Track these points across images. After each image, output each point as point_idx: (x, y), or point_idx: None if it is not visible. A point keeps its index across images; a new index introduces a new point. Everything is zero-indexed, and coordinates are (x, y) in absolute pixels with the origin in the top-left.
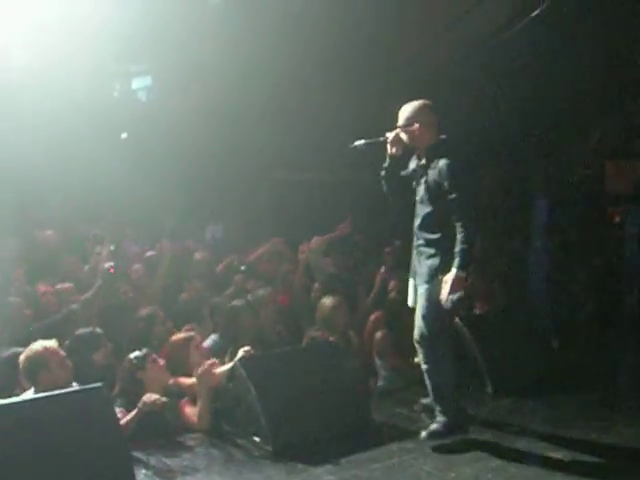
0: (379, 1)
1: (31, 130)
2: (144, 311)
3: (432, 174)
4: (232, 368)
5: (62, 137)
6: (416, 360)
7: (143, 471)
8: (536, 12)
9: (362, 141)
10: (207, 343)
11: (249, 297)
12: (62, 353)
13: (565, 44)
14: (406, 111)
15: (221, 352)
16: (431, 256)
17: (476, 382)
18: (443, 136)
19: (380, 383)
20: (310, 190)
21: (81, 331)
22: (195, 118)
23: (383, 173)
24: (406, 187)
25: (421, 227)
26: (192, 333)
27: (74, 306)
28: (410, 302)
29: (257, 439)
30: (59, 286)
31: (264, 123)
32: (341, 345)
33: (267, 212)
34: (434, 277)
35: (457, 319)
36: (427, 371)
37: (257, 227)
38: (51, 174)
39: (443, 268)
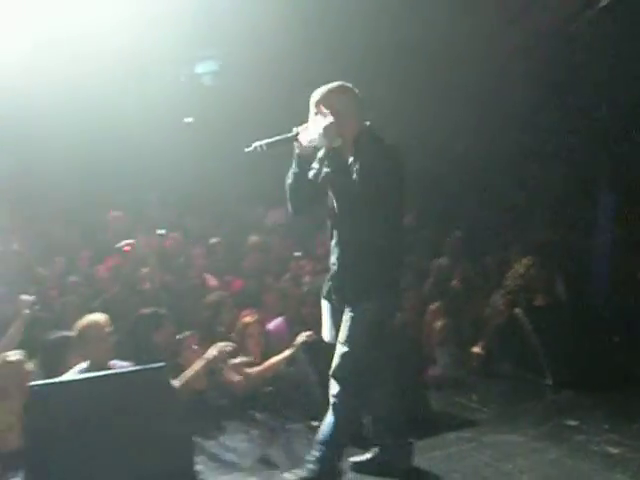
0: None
1: (98, 114)
2: (212, 297)
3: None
4: (293, 352)
5: (127, 121)
6: (475, 349)
7: (200, 451)
8: (604, 3)
9: (263, 142)
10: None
11: (306, 281)
12: (107, 329)
13: (636, 36)
14: (326, 97)
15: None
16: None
17: (536, 374)
18: (367, 122)
19: (439, 372)
20: None
21: (144, 310)
22: (260, 103)
23: (291, 180)
24: (321, 193)
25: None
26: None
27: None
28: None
29: (315, 423)
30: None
31: None
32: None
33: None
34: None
35: (518, 310)
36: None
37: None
38: (117, 159)
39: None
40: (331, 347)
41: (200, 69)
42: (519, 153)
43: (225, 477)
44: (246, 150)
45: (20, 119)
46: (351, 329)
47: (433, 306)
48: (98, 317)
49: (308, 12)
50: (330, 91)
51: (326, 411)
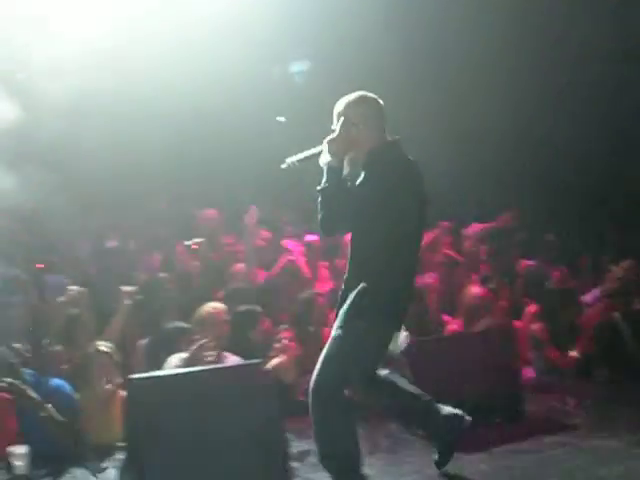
0: None
1: (191, 113)
2: (304, 294)
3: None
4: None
5: (220, 120)
6: (572, 353)
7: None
8: None
9: (295, 157)
10: None
11: None
12: (225, 317)
13: None
14: (344, 108)
15: None
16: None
17: (633, 379)
18: (391, 138)
19: (534, 375)
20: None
21: (241, 308)
22: None
23: (325, 194)
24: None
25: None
26: None
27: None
28: None
29: None
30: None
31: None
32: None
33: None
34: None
35: (616, 314)
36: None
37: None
38: (209, 157)
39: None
40: (428, 350)
41: (293, 68)
42: (618, 152)
43: (319, 475)
44: (282, 167)
45: (113, 120)
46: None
47: (531, 308)
48: (218, 305)
49: (401, 11)
50: (348, 102)
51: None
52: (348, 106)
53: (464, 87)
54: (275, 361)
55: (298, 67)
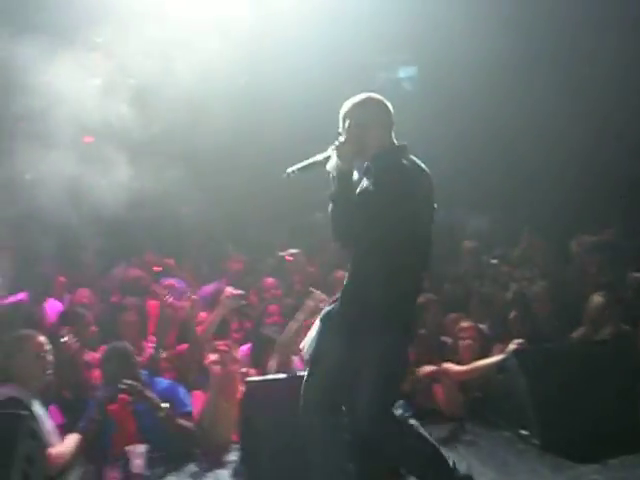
0: None
1: (299, 118)
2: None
3: None
4: (504, 359)
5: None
6: None
7: None
8: None
9: (296, 167)
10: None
11: (513, 288)
12: None
13: None
14: (349, 110)
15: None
16: None
17: None
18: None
19: None
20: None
21: None
22: (460, 109)
23: (337, 201)
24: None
25: None
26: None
27: None
28: None
29: (524, 432)
30: None
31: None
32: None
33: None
34: None
35: None
36: None
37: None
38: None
39: None
40: (544, 356)
41: (401, 74)
42: None
43: None
44: (284, 176)
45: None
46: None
47: None
48: None
49: (507, 18)
50: (354, 103)
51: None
52: (354, 108)
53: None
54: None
55: (406, 73)
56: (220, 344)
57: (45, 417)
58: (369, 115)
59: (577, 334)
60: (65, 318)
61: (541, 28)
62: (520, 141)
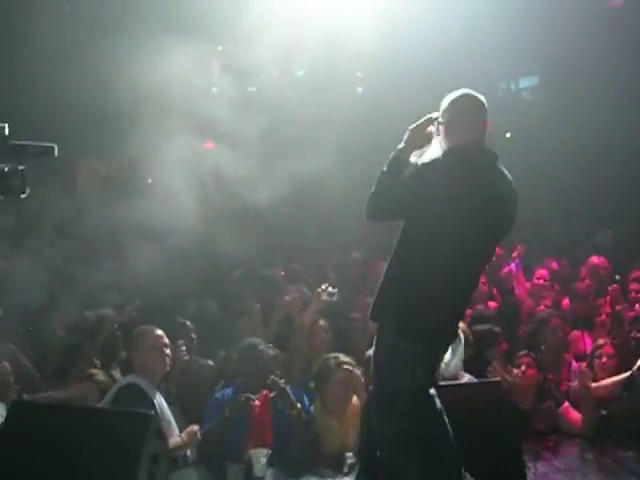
0: None
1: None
2: (540, 314)
3: None
4: (629, 377)
5: None
6: None
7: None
8: None
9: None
10: None
11: None
12: None
13: None
14: (443, 104)
15: None
16: None
17: None
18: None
19: None
20: None
21: (479, 327)
22: (580, 120)
23: (382, 176)
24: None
25: None
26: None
27: None
28: None
29: None
30: None
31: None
32: None
33: None
34: None
35: None
36: None
37: None
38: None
39: None
40: None
41: (523, 84)
42: None
43: None
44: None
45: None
46: None
47: None
48: None
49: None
50: (447, 98)
51: None
52: (444, 102)
53: None
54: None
55: (527, 83)
56: None
57: (165, 407)
58: (449, 110)
59: None
60: None
61: None
62: None
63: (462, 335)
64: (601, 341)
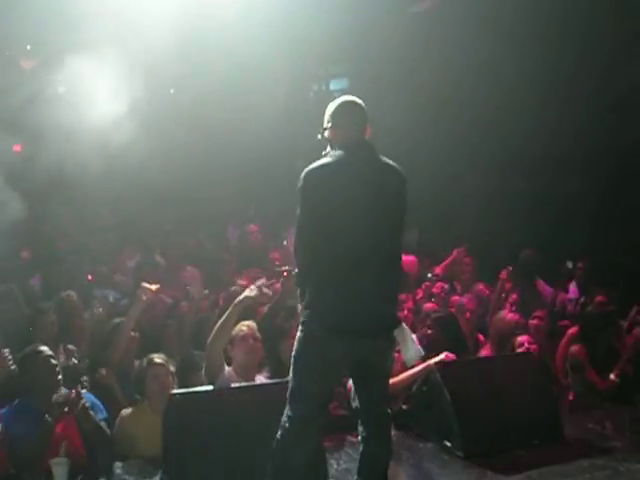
0: None
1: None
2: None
3: None
4: (428, 371)
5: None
6: (612, 376)
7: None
8: None
9: None
10: None
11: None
12: None
13: None
14: (329, 107)
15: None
16: None
17: None
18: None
19: (573, 398)
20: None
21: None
22: (389, 120)
23: None
24: None
25: None
26: None
27: None
28: None
29: (448, 444)
30: None
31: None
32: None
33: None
34: None
35: None
36: None
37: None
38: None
39: None
40: (466, 368)
41: (333, 86)
42: None
43: None
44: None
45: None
46: None
47: (572, 330)
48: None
49: (436, 29)
50: (331, 104)
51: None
52: (329, 108)
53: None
54: None
55: (338, 85)
56: None
57: None
58: (331, 114)
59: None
60: None
61: None
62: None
63: None
64: None
